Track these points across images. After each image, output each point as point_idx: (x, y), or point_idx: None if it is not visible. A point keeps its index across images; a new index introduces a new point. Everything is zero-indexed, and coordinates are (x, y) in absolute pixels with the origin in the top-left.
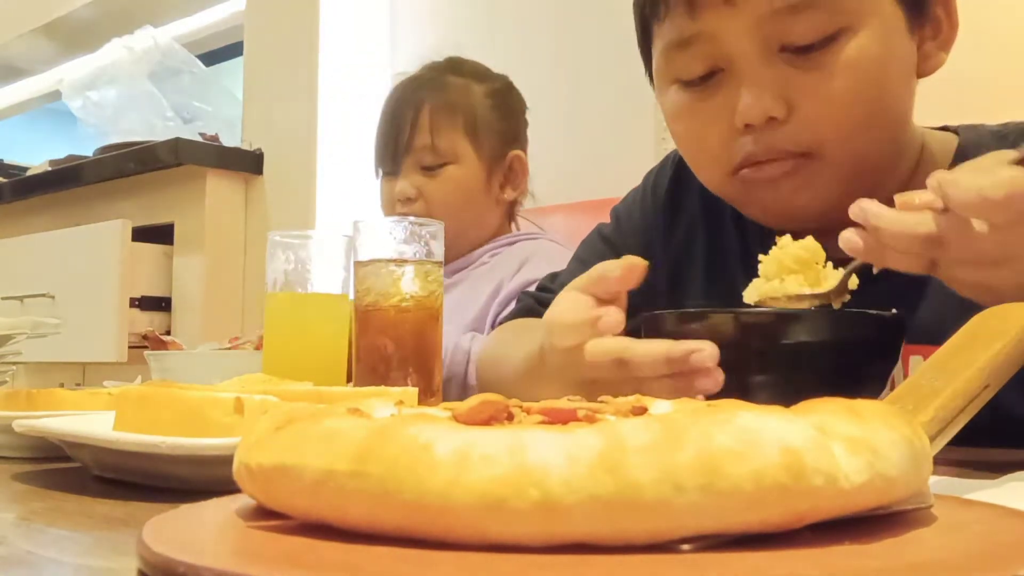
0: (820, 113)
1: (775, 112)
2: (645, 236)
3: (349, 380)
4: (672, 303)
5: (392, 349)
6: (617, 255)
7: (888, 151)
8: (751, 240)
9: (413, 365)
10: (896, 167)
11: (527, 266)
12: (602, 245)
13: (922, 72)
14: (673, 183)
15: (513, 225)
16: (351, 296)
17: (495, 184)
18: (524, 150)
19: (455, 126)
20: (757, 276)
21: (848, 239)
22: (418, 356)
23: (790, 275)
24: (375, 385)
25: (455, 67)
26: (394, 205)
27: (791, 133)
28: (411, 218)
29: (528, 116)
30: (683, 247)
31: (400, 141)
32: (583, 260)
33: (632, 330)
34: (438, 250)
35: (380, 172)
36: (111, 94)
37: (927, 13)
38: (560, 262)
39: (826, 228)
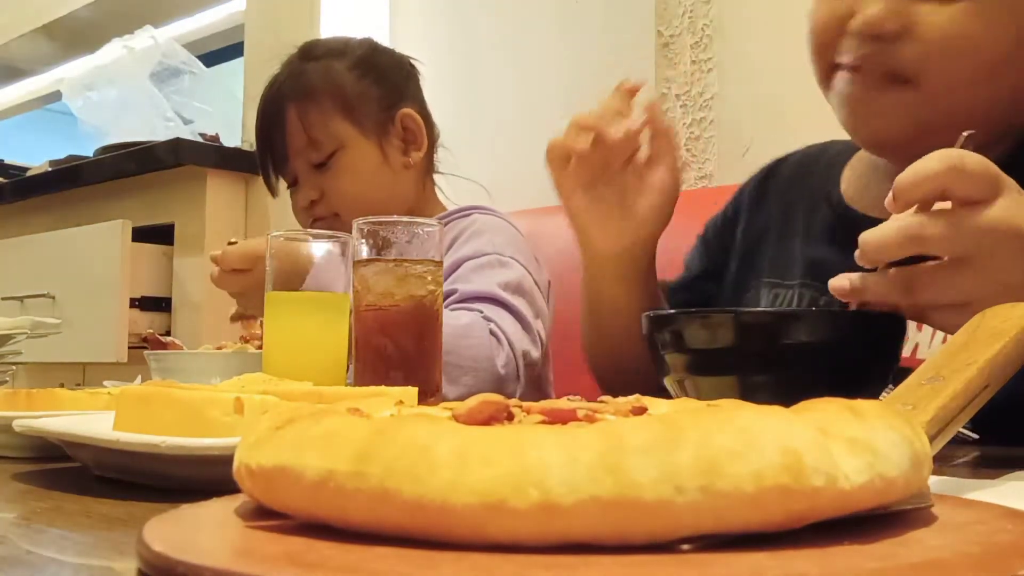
0: (933, 42)
1: (889, 25)
2: (729, 227)
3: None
4: (737, 282)
5: (392, 349)
6: (707, 248)
7: (997, 113)
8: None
9: (413, 365)
10: (1006, 135)
11: (459, 243)
12: (699, 240)
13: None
14: (765, 174)
15: (439, 200)
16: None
17: (394, 152)
18: (415, 106)
19: (326, 112)
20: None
21: (833, 285)
22: (418, 356)
23: None
24: (374, 385)
25: (308, 52)
26: (299, 215)
27: (896, 52)
28: (372, 219)
29: (527, 113)
30: (761, 234)
31: (277, 154)
32: (687, 264)
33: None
34: (437, 250)
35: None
36: (111, 94)
37: None
38: (495, 231)
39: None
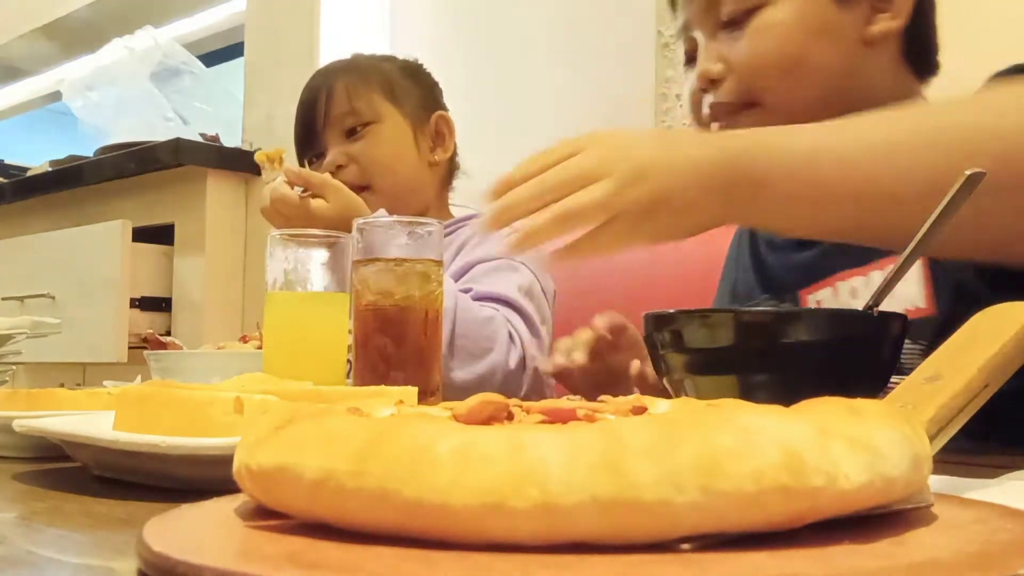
0: (745, 69)
1: (712, 73)
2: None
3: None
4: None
5: (392, 349)
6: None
7: (825, 105)
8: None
9: (413, 364)
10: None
11: (469, 247)
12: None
13: (867, 39)
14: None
15: (449, 210)
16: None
17: (424, 145)
18: (446, 113)
19: (371, 89)
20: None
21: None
22: (418, 355)
23: None
24: (375, 384)
25: (359, 55)
26: None
27: (730, 88)
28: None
29: (527, 114)
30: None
31: (318, 118)
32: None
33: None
34: (437, 250)
35: (307, 162)
36: (112, 94)
37: None
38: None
39: None
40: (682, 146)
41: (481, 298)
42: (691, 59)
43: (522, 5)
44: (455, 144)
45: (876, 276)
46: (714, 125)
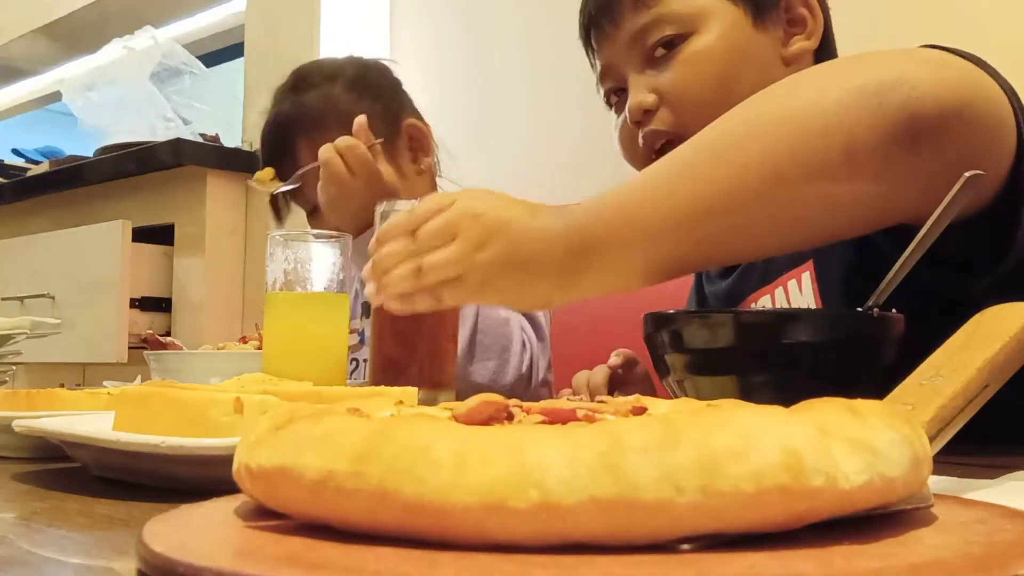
0: (678, 97)
1: (646, 104)
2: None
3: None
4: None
5: (406, 349)
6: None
7: None
8: None
9: (427, 363)
10: None
11: None
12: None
13: (787, 59)
14: None
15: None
16: (351, 296)
17: (406, 163)
18: (414, 114)
19: (333, 137)
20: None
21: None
22: (432, 354)
23: None
24: (390, 383)
25: (303, 81)
26: None
27: (663, 118)
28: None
29: (527, 114)
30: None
31: (298, 188)
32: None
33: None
34: None
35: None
36: (112, 95)
37: (776, 10)
38: None
39: None
40: (541, 215)
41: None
42: (612, 102)
43: (521, 5)
44: (432, 142)
45: (779, 293)
46: (652, 156)
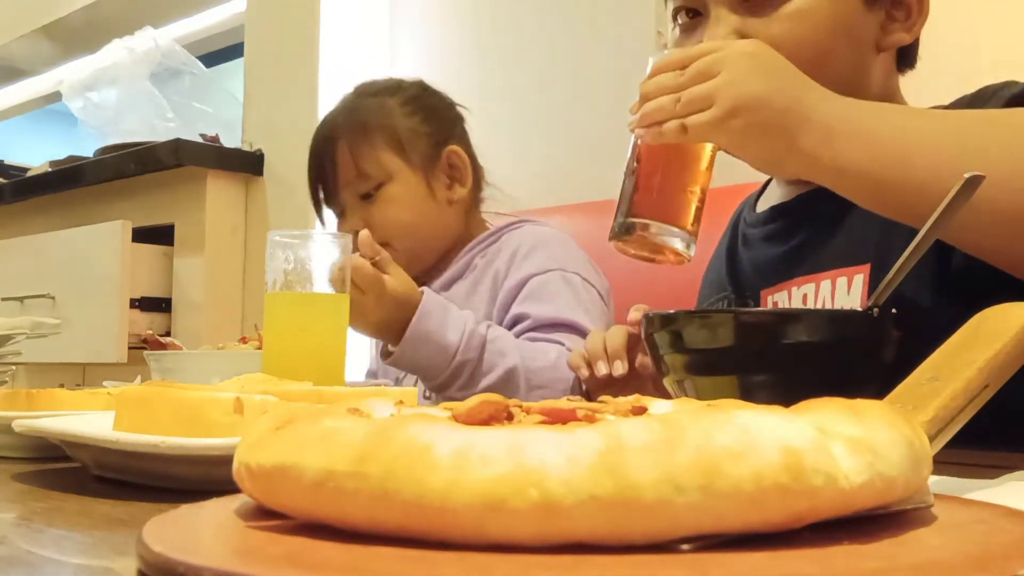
0: (778, 50)
1: None
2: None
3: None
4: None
5: (648, 181)
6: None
7: None
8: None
9: (661, 197)
10: None
11: (520, 258)
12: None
13: (881, 46)
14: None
15: (484, 221)
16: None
17: (440, 187)
18: (462, 145)
19: (376, 146)
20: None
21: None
22: (669, 192)
23: None
24: (637, 213)
25: (364, 90)
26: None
27: None
28: None
29: (526, 114)
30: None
31: (328, 182)
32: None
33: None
34: None
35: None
36: (112, 95)
37: None
38: (552, 243)
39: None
40: (807, 89)
41: (543, 325)
42: (678, 23)
43: (521, 6)
44: (476, 173)
45: (826, 285)
46: None
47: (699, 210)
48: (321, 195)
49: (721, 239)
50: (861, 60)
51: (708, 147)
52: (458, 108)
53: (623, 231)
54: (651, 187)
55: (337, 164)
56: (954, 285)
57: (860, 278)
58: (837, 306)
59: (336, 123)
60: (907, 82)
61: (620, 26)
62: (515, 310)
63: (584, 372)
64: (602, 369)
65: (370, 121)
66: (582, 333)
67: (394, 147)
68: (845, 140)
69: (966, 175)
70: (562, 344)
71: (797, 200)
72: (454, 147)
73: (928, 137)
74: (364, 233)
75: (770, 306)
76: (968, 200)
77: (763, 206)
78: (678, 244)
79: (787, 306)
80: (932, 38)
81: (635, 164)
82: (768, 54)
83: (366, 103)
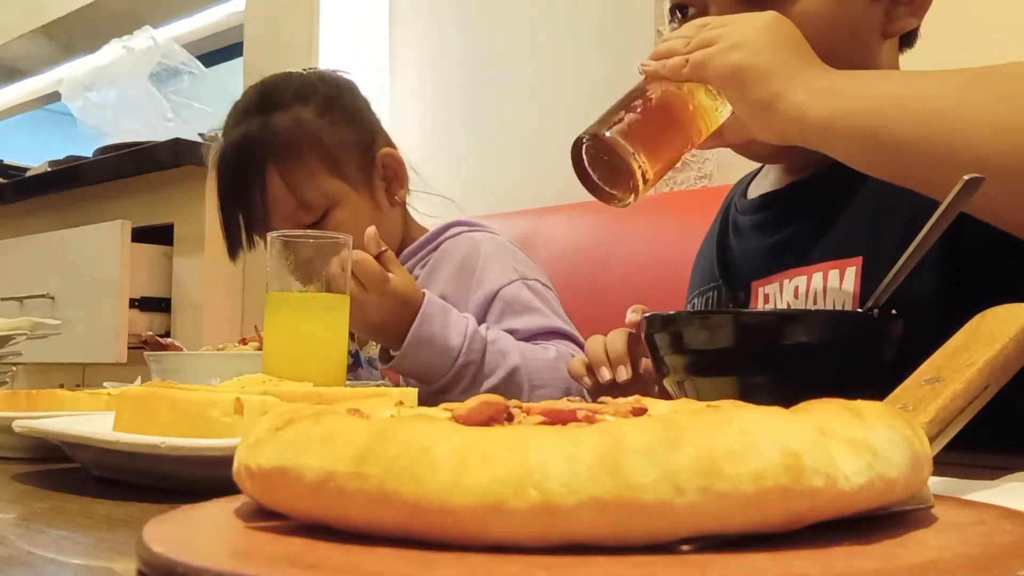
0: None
1: None
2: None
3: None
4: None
5: (640, 122)
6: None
7: None
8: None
9: (652, 140)
10: None
11: (478, 271)
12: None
13: (887, 32)
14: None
15: (414, 220)
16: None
17: (381, 196)
18: (386, 141)
19: (312, 171)
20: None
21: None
22: (656, 132)
23: None
24: (630, 147)
25: (269, 99)
26: None
27: None
28: None
29: (526, 114)
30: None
31: (256, 217)
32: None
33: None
34: None
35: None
36: (111, 95)
37: None
38: (498, 252)
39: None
40: (807, 63)
41: (534, 336)
42: (677, 18)
43: (521, 5)
44: (406, 171)
45: (817, 278)
46: None
47: (664, 170)
48: (241, 224)
49: (712, 224)
50: (865, 50)
51: (702, 116)
52: (352, 83)
53: (595, 138)
54: (642, 122)
55: (270, 196)
56: (955, 285)
57: (852, 271)
58: (829, 299)
59: (256, 143)
60: (905, 62)
61: (620, 25)
62: (502, 327)
63: (587, 381)
64: (605, 375)
65: (297, 141)
66: (569, 337)
67: (329, 167)
68: (838, 95)
69: (966, 177)
70: (555, 345)
71: (788, 189)
72: (385, 149)
73: (923, 89)
74: (371, 229)
75: (761, 298)
76: (968, 201)
77: (754, 193)
78: (638, 182)
79: (779, 299)
80: (932, 16)
81: (635, 98)
82: (782, 23)
83: (281, 119)
